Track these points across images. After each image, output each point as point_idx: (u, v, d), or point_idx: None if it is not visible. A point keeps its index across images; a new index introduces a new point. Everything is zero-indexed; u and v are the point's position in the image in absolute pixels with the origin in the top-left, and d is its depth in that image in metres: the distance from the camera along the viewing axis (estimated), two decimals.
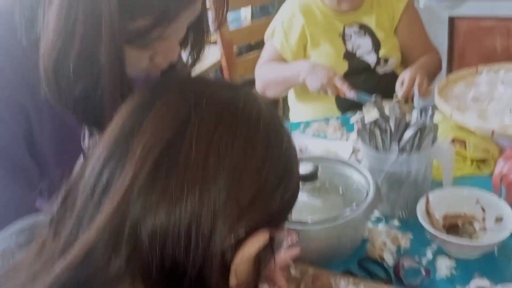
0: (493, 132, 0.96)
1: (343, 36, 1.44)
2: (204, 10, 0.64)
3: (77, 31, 0.54)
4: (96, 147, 0.45)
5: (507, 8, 1.76)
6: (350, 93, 1.27)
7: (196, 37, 0.68)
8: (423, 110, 0.85)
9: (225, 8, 0.67)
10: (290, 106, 1.64)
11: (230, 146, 0.42)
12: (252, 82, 1.53)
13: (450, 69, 1.99)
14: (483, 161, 1.03)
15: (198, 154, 0.41)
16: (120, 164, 0.42)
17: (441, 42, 1.95)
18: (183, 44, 0.68)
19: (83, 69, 0.56)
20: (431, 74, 1.39)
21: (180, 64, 0.71)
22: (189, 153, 0.41)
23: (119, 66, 0.56)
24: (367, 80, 1.36)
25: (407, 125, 0.88)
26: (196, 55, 0.70)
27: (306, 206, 0.82)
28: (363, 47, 1.44)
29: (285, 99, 1.72)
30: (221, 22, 0.68)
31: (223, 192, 0.41)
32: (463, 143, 1.04)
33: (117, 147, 0.43)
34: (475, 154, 1.02)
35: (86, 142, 0.71)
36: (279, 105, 2.21)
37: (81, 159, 0.70)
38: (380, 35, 1.43)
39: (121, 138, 0.43)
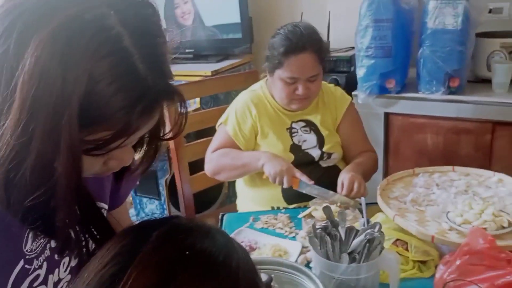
0: (433, 238, 1.02)
1: (290, 130, 1.52)
2: (162, 118, 0.65)
3: (34, 146, 0.53)
4: None
5: (436, 109, 1.95)
6: (307, 186, 1.32)
7: (151, 142, 0.69)
8: (371, 225, 0.90)
9: (184, 121, 0.69)
10: (237, 191, 1.67)
11: None
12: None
13: (386, 160, 2.13)
14: (424, 262, 1.08)
15: None
16: None
17: (378, 134, 2.10)
18: (137, 146, 0.68)
19: (37, 180, 0.55)
20: (367, 173, 1.49)
21: (133, 164, 0.71)
22: None
23: (76, 174, 0.56)
24: (312, 172, 1.42)
25: (356, 233, 0.92)
26: (150, 159, 0.70)
27: None
28: (308, 142, 1.52)
29: (232, 184, 1.75)
30: (178, 132, 0.69)
31: None
32: (405, 244, 1.09)
33: None
34: (416, 256, 1.07)
35: (28, 246, 0.67)
36: (223, 190, 2.23)
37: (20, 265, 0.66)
38: (324, 132, 1.52)
39: (103, 284, 0.43)
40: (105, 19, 0.54)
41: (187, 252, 0.46)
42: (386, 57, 1.98)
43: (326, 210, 0.96)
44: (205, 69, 2.43)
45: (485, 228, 1.02)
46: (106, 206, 0.81)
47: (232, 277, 0.46)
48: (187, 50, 2.66)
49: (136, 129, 0.58)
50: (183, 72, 2.48)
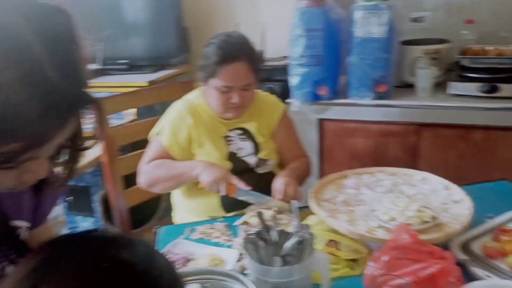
0: (362, 236, 1.07)
1: (227, 139, 1.53)
2: (79, 127, 0.63)
3: None
4: None
5: (365, 114, 2.05)
6: (244, 193, 1.34)
7: (70, 153, 0.67)
8: (302, 226, 0.92)
9: (102, 131, 0.67)
10: (173, 203, 1.65)
11: None
12: None
13: (321, 164, 2.19)
14: (355, 260, 1.12)
15: None
16: None
17: (313, 140, 2.16)
18: (55, 158, 0.66)
19: None
20: (302, 177, 1.53)
21: (51, 177, 0.68)
22: None
23: None
24: (249, 179, 1.44)
25: (288, 236, 0.95)
26: (70, 169, 0.68)
27: None
28: (245, 150, 1.54)
29: (168, 197, 1.72)
30: (97, 142, 0.68)
31: None
32: (337, 244, 1.13)
33: None
34: (347, 255, 1.11)
35: None
36: (161, 203, 2.20)
37: None
38: (259, 139, 1.54)
39: None
40: (14, 27, 0.52)
41: (105, 264, 0.45)
42: (318, 65, 2.05)
43: (259, 215, 0.97)
44: (141, 79, 2.40)
45: (409, 224, 1.08)
46: (27, 224, 0.77)
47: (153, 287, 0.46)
48: (122, 61, 2.61)
49: (48, 139, 0.56)
50: (118, 83, 2.43)
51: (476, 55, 2.04)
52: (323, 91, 2.09)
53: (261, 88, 1.67)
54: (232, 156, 1.52)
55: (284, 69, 2.23)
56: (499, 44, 2.10)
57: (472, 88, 1.94)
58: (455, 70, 2.07)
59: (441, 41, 2.16)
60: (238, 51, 1.41)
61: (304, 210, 1.25)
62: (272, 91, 2.13)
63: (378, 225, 1.11)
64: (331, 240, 1.12)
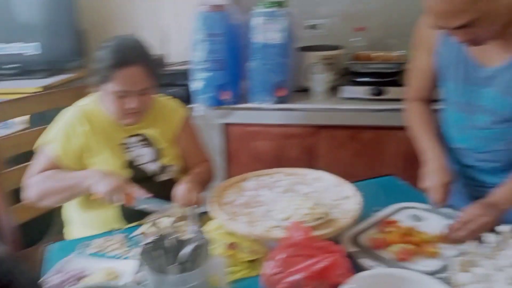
0: (259, 236, 1.10)
1: (125, 146, 1.48)
2: None
3: None
4: None
5: (267, 117, 2.12)
6: (144, 202, 1.30)
7: None
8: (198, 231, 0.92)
9: None
10: (68, 218, 1.56)
11: None
12: None
13: (227, 168, 2.22)
14: (255, 261, 1.15)
15: None
16: None
17: (218, 144, 2.18)
18: None
19: None
20: (204, 182, 1.53)
21: None
22: None
23: None
24: (149, 187, 1.41)
25: (185, 242, 0.94)
26: None
27: None
28: (145, 157, 1.50)
29: (58, 213, 1.61)
30: None
31: None
32: (238, 246, 1.15)
33: None
34: (247, 256, 1.13)
35: None
36: (56, 218, 2.06)
37: None
38: (161, 145, 1.52)
39: None
40: None
41: None
42: (221, 70, 2.08)
43: (155, 224, 0.96)
44: (33, 85, 2.24)
45: (304, 221, 1.13)
46: None
47: None
48: (12, 65, 2.42)
49: None
50: (7, 90, 2.25)
51: (366, 60, 2.21)
52: (226, 96, 2.12)
53: (163, 93, 1.65)
54: (131, 164, 1.48)
55: (187, 74, 2.23)
56: (387, 50, 2.29)
57: (361, 91, 2.09)
58: (347, 75, 2.22)
59: (335, 48, 2.30)
60: (133, 55, 1.38)
61: (207, 215, 1.26)
62: (175, 96, 2.10)
63: (275, 225, 1.15)
64: (232, 243, 1.14)
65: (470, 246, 1.04)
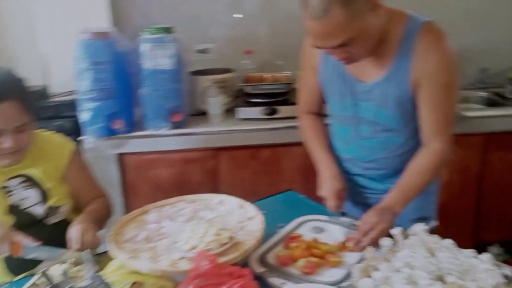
0: (164, 271, 1.05)
1: (6, 189, 1.33)
2: None
3: None
4: None
5: (164, 144, 2.06)
6: (33, 250, 1.17)
7: None
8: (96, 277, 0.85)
9: None
10: None
11: None
12: None
13: (126, 200, 2.11)
14: None
15: None
16: None
17: (114, 176, 2.07)
18: None
19: None
20: (101, 220, 1.43)
21: None
22: None
23: None
24: (38, 233, 1.27)
25: None
26: None
27: None
28: (30, 199, 1.36)
29: None
30: None
31: None
32: (142, 285, 1.08)
33: None
34: None
35: None
36: None
37: None
38: (47, 185, 1.39)
39: None
40: None
41: None
42: (109, 98, 1.99)
43: (44, 275, 0.86)
44: None
45: (210, 249, 1.10)
46: None
47: None
48: None
49: None
50: None
51: (256, 82, 2.27)
52: (118, 125, 2.03)
53: (47, 127, 1.52)
54: (14, 209, 1.33)
55: (73, 104, 2.09)
56: (275, 71, 2.39)
57: (256, 112, 2.14)
58: (241, 97, 2.27)
59: (226, 71, 2.34)
60: (5, 90, 1.25)
61: (107, 255, 1.17)
62: (61, 129, 1.97)
63: (180, 257, 1.11)
64: (135, 283, 1.07)
65: (368, 252, 1.10)
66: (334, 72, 1.35)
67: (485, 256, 1.03)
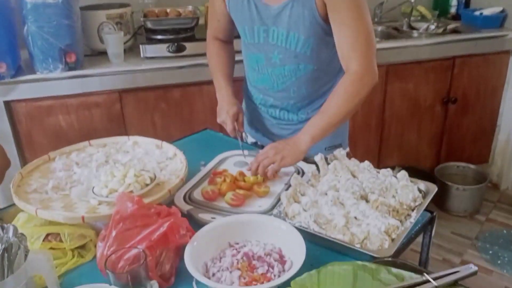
0: (83, 218, 0.96)
1: None
2: None
3: None
4: None
5: (60, 88, 1.85)
6: None
7: None
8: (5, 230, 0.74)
9: None
10: None
11: None
12: None
13: (21, 153, 1.90)
14: (83, 247, 1.01)
15: None
16: None
17: (3, 127, 1.83)
18: None
19: None
20: None
21: None
22: None
23: None
24: None
25: None
26: None
27: None
28: None
29: None
30: None
31: None
32: (58, 235, 0.98)
33: None
34: (72, 243, 0.98)
35: None
36: None
37: None
38: None
39: None
40: None
41: None
42: None
43: None
44: None
45: (131, 191, 1.03)
46: None
47: None
48: None
49: None
50: None
51: (158, 17, 2.11)
52: (1, 69, 1.77)
53: None
54: None
55: None
56: (177, 5, 2.23)
57: (161, 49, 2.01)
58: (143, 34, 2.10)
59: (122, 5, 2.13)
60: None
61: (8, 211, 1.05)
62: None
63: (99, 202, 1.02)
64: (50, 234, 0.97)
65: (293, 179, 1.11)
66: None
67: (401, 173, 1.10)
